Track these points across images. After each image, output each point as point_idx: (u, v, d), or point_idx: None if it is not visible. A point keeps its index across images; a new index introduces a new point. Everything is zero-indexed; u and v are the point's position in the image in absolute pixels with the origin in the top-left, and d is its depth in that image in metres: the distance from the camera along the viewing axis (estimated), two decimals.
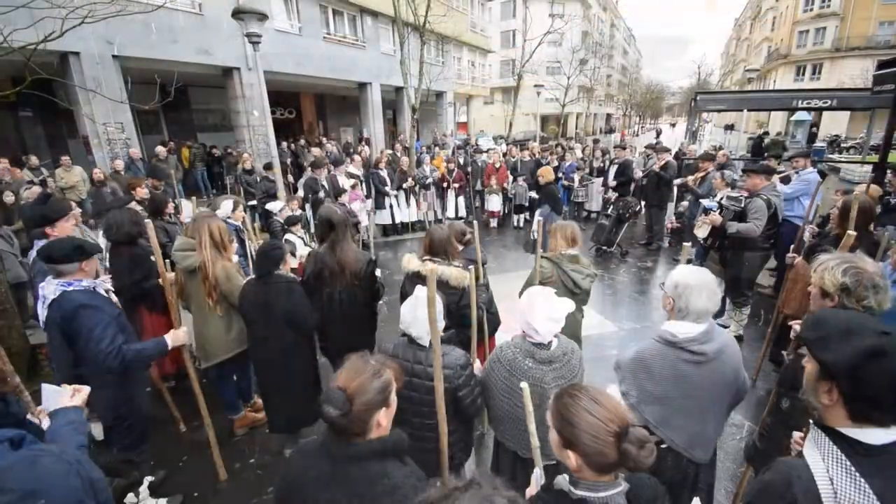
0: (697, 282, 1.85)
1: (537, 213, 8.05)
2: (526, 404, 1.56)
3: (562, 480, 1.26)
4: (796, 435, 1.59)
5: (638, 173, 8.74)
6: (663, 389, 1.89)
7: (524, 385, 1.58)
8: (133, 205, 4.30)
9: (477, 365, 2.37)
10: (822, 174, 7.06)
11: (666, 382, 1.89)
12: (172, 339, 2.67)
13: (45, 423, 1.85)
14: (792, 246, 4.11)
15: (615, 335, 5.18)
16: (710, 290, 1.83)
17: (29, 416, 1.84)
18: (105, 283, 2.97)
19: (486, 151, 11.25)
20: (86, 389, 1.80)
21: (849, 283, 1.76)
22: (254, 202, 8.28)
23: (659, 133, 31.62)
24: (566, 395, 1.28)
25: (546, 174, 7.66)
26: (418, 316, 2.04)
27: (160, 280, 2.78)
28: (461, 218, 9.88)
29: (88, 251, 2.42)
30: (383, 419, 1.34)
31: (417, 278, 2.90)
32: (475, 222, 3.40)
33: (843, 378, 1.09)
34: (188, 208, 4.79)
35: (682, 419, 1.90)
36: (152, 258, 3.65)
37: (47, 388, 1.96)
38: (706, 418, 1.92)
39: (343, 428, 1.27)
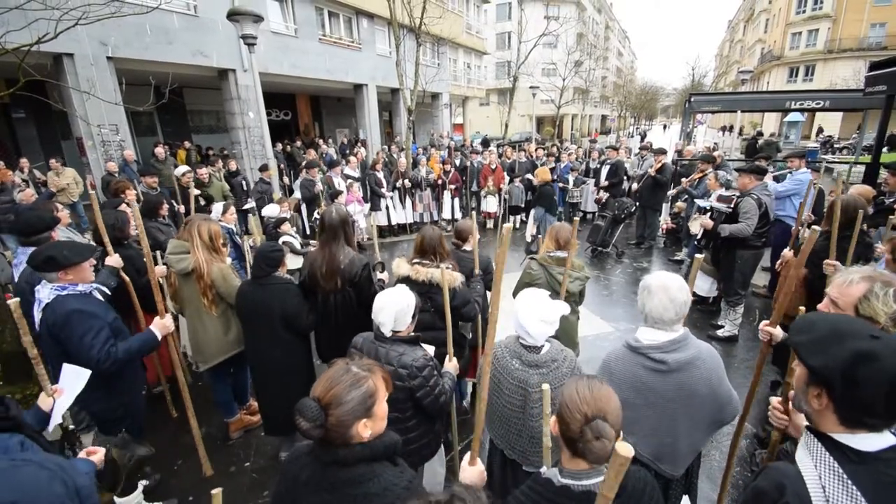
0: (656, 284, 1.81)
1: (532, 213, 8.09)
2: (544, 405, 1.56)
3: (551, 471, 1.33)
4: (774, 401, 1.54)
5: (635, 183, 8.77)
6: (624, 395, 1.80)
7: (545, 386, 1.58)
8: (124, 207, 4.25)
9: (453, 364, 2.38)
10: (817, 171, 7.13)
11: (626, 387, 1.83)
12: (159, 328, 2.63)
13: (59, 401, 1.95)
14: (786, 249, 4.12)
15: (611, 336, 5.19)
16: (667, 296, 1.76)
17: (42, 396, 1.93)
18: (115, 264, 2.99)
19: (483, 153, 11.27)
20: (101, 452, 1.80)
21: None
22: (247, 206, 8.25)
23: (643, 137, 30.33)
24: (577, 377, 1.37)
25: (542, 175, 7.69)
26: (385, 304, 2.12)
27: (151, 277, 2.77)
28: (457, 219, 9.88)
29: (61, 262, 2.32)
30: (364, 430, 1.27)
31: (409, 283, 2.89)
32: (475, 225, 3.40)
33: (834, 383, 1.07)
34: (217, 209, 4.78)
35: (646, 428, 1.85)
36: (144, 259, 3.67)
37: (69, 368, 2.08)
38: (676, 432, 1.84)
39: (320, 439, 1.25)
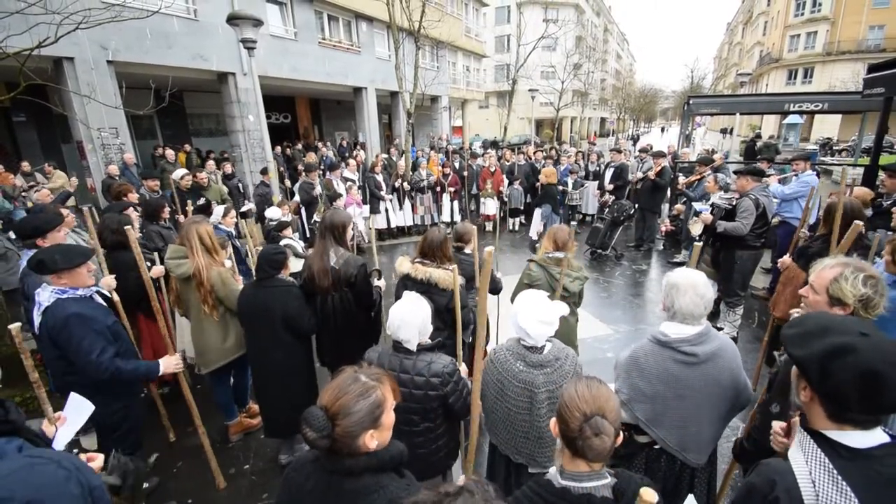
0: (684, 282, 1.86)
1: (539, 212, 8.12)
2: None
3: (551, 472, 1.35)
4: (776, 425, 1.57)
5: (632, 177, 8.81)
6: (655, 389, 1.89)
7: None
8: (130, 210, 4.27)
9: (463, 368, 2.38)
10: (817, 175, 7.15)
11: (657, 381, 1.89)
12: (165, 365, 2.66)
13: (61, 430, 1.87)
14: (786, 255, 4.13)
15: (610, 338, 5.20)
16: (696, 293, 1.82)
17: (45, 423, 1.86)
18: (106, 287, 3.00)
19: (483, 155, 11.30)
20: (100, 458, 1.78)
21: (870, 294, 1.72)
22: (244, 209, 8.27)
23: (636, 140, 30.03)
24: (576, 378, 1.39)
25: (548, 175, 7.82)
26: (406, 319, 2.04)
27: (146, 285, 2.76)
28: (455, 222, 9.90)
29: (50, 266, 2.32)
30: (371, 440, 1.25)
31: (409, 280, 2.91)
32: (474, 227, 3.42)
33: (811, 373, 1.11)
34: (218, 212, 4.77)
35: (674, 419, 1.90)
36: (147, 263, 3.69)
37: (75, 398, 2.00)
38: (701, 421, 1.91)
39: (326, 449, 1.23)
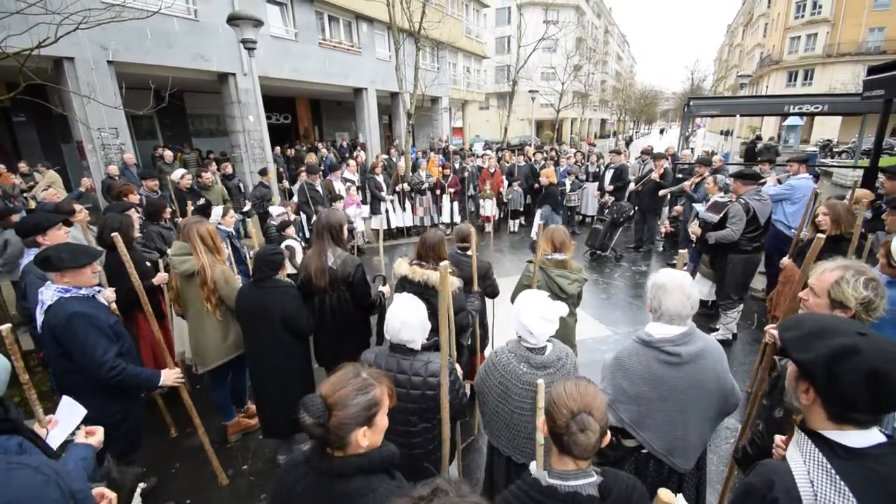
0: (671, 283, 1.86)
1: (539, 213, 8.14)
2: (538, 399, 1.57)
3: (537, 471, 1.37)
4: (778, 439, 1.57)
5: (632, 183, 8.81)
6: (638, 389, 1.89)
7: (540, 381, 1.60)
8: (131, 211, 4.28)
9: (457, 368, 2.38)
10: (817, 176, 7.14)
11: (641, 382, 1.88)
12: (165, 377, 2.65)
13: (52, 433, 1.87)
14: (786, 257, 4.12)
15: (609, 339, 5.20)
16: (683, 293, 1.82)
17: (36, 425, 1.85)
18: (106, 300, 2.99)
19: (482, 156, 11.29)
20: (100, 431, 1.78)
21: (872, 297, 1.71)
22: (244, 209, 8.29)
23: (629, 142, 30.15)
24: (565, 378, 1.42)
25: (549, 175, 7.96)
26: (407, 321, 2.04)
27: (138, 292, 2.74)
28: (455, 223, 9.89)
29: (55, 264, 2.32)
30: (363, 439, 1.26)
31: (407, 282, 2.91)
32: (473, 229, 3.42)
33: (817, 377, 1.10)
34: (217, 212, 4.76)
35: (659, 422, 1.89)
36: (147, 263, 3.70)
37: (66, 401, 1.99)
38: (687, 424, 1.89)
39: (319, 438, 1.24)
